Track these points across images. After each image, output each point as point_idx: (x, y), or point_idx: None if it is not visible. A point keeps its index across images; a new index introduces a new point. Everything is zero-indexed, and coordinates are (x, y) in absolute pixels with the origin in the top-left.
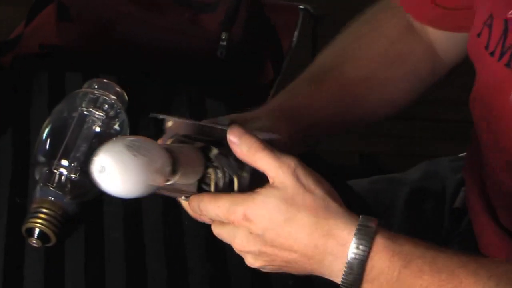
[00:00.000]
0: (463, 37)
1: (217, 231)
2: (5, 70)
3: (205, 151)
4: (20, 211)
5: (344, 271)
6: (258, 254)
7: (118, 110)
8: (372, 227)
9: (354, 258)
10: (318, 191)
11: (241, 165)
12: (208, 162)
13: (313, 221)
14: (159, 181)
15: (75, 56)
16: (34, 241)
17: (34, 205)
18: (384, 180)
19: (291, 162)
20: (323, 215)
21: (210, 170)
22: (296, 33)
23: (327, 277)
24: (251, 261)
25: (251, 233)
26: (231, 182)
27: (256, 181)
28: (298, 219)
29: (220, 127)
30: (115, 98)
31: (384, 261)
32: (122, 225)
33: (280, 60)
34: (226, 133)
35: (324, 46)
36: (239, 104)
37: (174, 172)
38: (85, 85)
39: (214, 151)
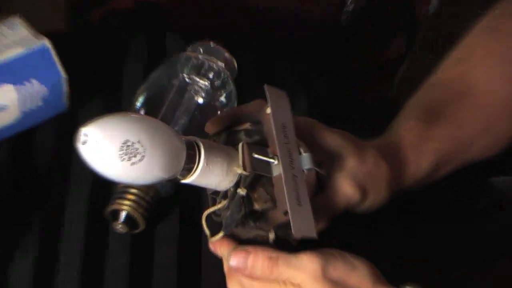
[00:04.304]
0: None
1: None
2: (94, 28)
3: (238, 180)
4: (105, 190)
5: None
6: None
7: (226, 80)
8: None
9: None
10: (353, 280)
11: (244, 227)
12: (234, 187)
13: None
14: (157, 176)
15: (177, 15)
16: (119, 226)
17: (121, 184)
18: None
19: (313, 264)
20: None
21: (224, 201)
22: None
23: None
24: None
25: None
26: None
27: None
28: None
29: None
30: (223, 65)
31: None
32: None
33: (413, 31)
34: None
35: (465, 16)
36: (362, 82)
37: (184, 174)
38: (189, 48)
39: (241, 192)
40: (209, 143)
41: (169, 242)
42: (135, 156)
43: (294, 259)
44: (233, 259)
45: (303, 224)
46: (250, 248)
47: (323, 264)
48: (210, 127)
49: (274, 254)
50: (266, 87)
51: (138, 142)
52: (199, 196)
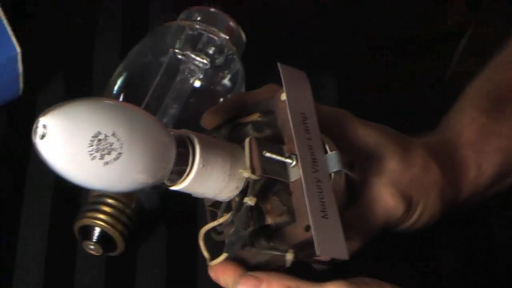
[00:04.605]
0: None
1: None
2: None
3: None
4: (72, 199)
5: None
6: None
7: (230, 56)
8: None
9: None
10: None
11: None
12: (239, 196)
13: None
14: (138, 180)
15: None
16: (92, 246)
17: (95, 193)
18: None
19: None
20: None
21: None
22: None
23: None
24: None
25: None
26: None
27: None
28: None
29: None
30: (227, 37)
31: None
32: None
33: None
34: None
35: None
36: (408, 60)
37: (174, 179)
38: (182, 15)
39: (249, 202)
40: (207, 139)
41: (155, 267)
42: (109, 153)
43: None
44: None
45: (331, 243)
46: (262, 275)
47: None
48: (208, 119)
49: (293, 283)
50: (280, 66)
51: (113, 135)
52: (194, 209)
